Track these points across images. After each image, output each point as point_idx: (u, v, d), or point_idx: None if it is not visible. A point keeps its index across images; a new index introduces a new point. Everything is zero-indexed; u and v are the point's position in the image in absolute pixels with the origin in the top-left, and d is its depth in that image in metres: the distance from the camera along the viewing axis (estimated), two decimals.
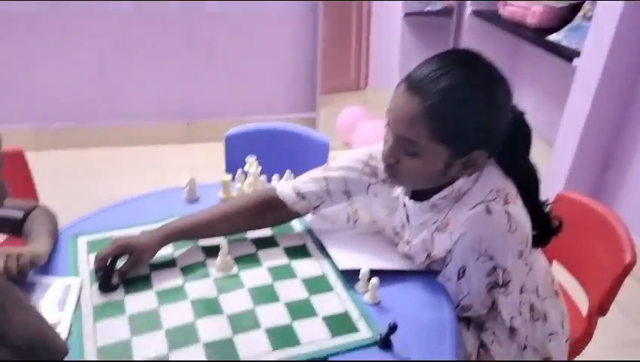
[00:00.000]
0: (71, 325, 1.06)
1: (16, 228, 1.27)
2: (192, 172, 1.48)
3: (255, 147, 1.66)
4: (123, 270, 1.18)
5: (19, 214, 1.01)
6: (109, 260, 1.17)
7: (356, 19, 4.41)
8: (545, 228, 1.22)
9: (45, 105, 3.28)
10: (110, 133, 3.44)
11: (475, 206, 1.12)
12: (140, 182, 1.49)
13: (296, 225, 1.41)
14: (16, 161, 1.67)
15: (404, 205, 1.26)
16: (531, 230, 1.18)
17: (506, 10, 3.10)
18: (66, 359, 0.97)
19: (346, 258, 1.25)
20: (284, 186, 1.35)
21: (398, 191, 1.28)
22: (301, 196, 1.32)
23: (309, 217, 1.40)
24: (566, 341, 1.34)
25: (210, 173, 1.55)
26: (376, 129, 3.09)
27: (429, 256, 1.21)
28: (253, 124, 1.98)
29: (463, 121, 1.06)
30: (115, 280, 1.17)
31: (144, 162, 3.28)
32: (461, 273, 1.16)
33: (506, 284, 1.14)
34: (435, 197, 1.18)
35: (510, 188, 1.16)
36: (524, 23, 2.95)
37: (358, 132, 3.48)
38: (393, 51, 4.07)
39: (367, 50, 4.53)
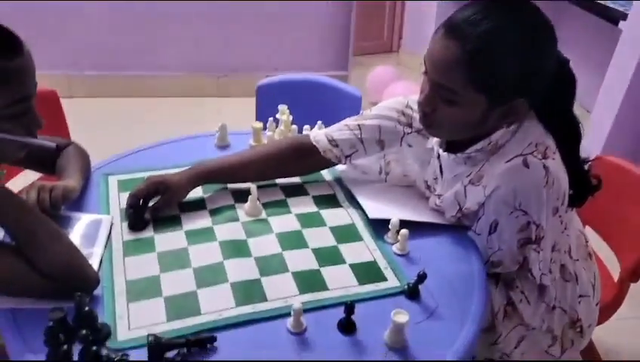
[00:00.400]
0: (102, 259, 1.07)
1: (49, 165, 1.28)
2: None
3: (286, 98, 1.64)
4: (155, 207, 1.19)
5: (52, 144, 1.02)
6: (142, 198, 1.17)
7: None
8: (582, 186, 1.19)
9: (79, 52, 3.30)
10: (141, 84, 3.45)
11: (511, 158, 1.08)
12: (169, 133, 1.50)
13: (326, 175, 1.40)
14: (50, 102, 1.68)
15: (439, 157, 1.23)
16: (568, 188, 1.14)
17: None
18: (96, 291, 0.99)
19: (377, 208, 1.24)
20: (318, 133, 1.33)
21: (433, 142, 1.25)
22: (334, 143, 1.30)
23: (340, 167, 1.39)
24: (596, 304, 1.31)
25: (240, 126, 1.54)
26: (407, 90, 3.04)
27: (460, 209, 1.19)
28: (285, 75, 1.96)
29: (504, 67, 1.02)
30: (145, 218, 1.18)
31: (174, 114, 3.29)
32: (493, 227, 1.13)
33: (538, 240, 1.11)
34: (471, 149, 1.14)
35: (550, 143, 1.12)
36: None
37: (388, 92, 3.42)
38: (429, 14, 3.96)
39: (401, 12, 4.43)
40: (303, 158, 1.32)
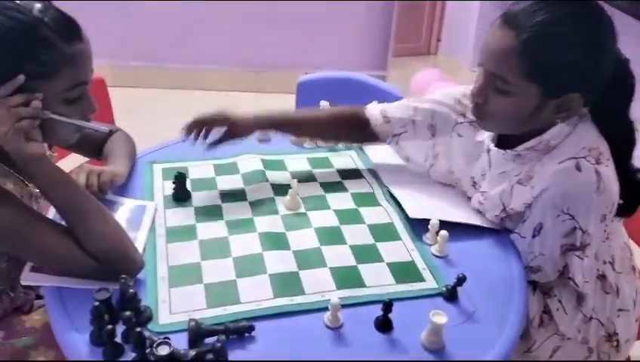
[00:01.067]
0: (145, 244, 1.09)
1: (95, 149, 1.32)
2: None
3: (326, 95, 1.64)
4: (219, 139, 1.26)
5: (105, 128, 1.05)
6: (178, 173, 1.21)
7: None
8: (633, 196, 1.16)
9: (123, 43, 3.37)
10: (182, 76, 3.50)
11: (563, 161, 1.07)
12: None
13: (366, 174, 1.40)
14: (97, 89, 1.71)
15: (488, 151, 1.21)
16: (618, 197, 1.12)
17: None
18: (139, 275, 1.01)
19: (416, 207, 1.23)
20: (374, 107, 1.37)
21: (484, 136, 1.23)
22: (386, 119, 1.32)
23: (380, 164, 1.39)
24: (636, 320, 1.28)
25: None
26: None
27: (504, 209, 1.17)
28: (326, 72, 1.97)
29: (558, 58, 1.00)
30: (187, 190, 1.23)
31: (212, 107, 3.33)
32: (537, 231, 1.11)
33: (583, 247, 1.09)
34: (521, 147, 1.13)
35: (604, 149, 1.09)
36: None
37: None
38: (469, 18, 3.92)
39: (441, 15, 4.39)
40: (355, 128, 1.37)
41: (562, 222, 1.07)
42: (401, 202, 1.26)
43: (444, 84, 3.42)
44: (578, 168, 1.05)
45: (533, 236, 1.12)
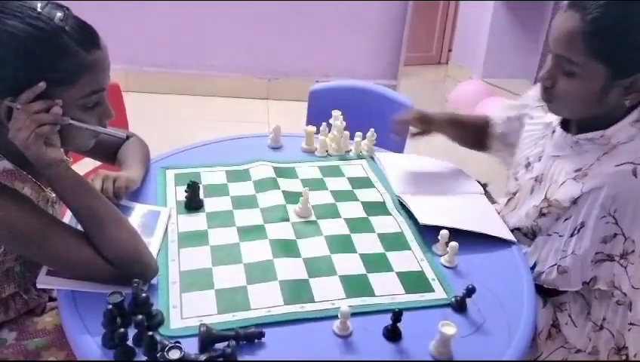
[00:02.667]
0: (159, 249, 1.11)
1: (109, 154, 1.33)
2: (269, 127, 1.51)
3: (338, 104, 1.66)
4: (415, 133, 1.43)
5: (122, 134, 1.07)
6: (191, 182, 1.23)
7: None
8: None
9: (137, 49, 3.41)
10: (194, 82, 3.53)
11: (621, 164, 1.06)
12: (218, 131, 1.56)
13: (376, 182, 1.41)
14: (112, 94, 1.74)
15: (553, 132, 1.22)
16: None
17: None
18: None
19: (427, 214, 1.24)
20: (501, 126, 1.43)
21: (553, 117, 1.24)
22: (507, 143, 1.41)
23: (391, 176, 1.41)
24: None
25: (286, 129, 1.57)
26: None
27: (546, 198, 1.16)
28: (338, 81, 1.98)
29: (625, 37, 1.01)
30: (199, 199, 1.25)
31: (224, 113, 3.36)
32: (577, 230, 1.10)
33: (626, 255, 1.08)
34: (582, 136, 1.13)
35: None
36: None
37: (483, 107, 3.34)
38: (481, 28, 3.93)
39: (452, 24, 4.40)
40: (482, 139, 1.46)
41: (605, 225, 1.07)
42: (411, 209, 1.26)
43: (487, 92, 3.44)
44: (635, 174, 1.04)
45: (572, 235, 1.11)
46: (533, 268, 1.18)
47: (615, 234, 1.07)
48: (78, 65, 0.94)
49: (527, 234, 1.24)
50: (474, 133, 1.47)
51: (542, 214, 1.18)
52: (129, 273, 0.95)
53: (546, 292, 1.18)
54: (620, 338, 1.21)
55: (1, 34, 0.89)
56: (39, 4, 0.92)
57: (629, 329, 1.22)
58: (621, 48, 1.02)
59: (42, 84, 0.91)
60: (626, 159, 1.06)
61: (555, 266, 1.13)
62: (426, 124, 1.42)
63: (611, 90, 1.06)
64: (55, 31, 0.91)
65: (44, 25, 0.90)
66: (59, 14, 0.92)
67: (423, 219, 1.22)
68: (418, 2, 3.52)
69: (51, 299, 1.20)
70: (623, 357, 1.22)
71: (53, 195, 1.08)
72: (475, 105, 3.44)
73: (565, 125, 1.20)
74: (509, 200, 1.31)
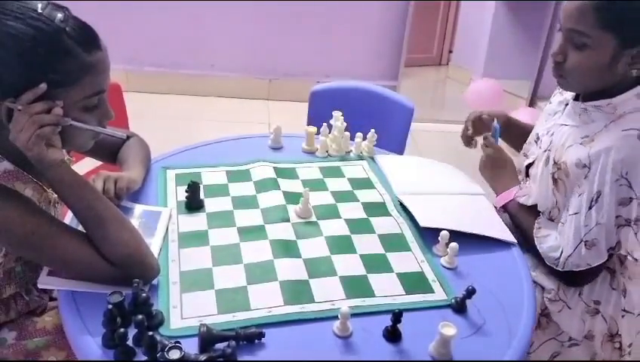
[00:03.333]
0: (160, 249, 1.11)
1: (110, 155, 1.33)
2: (270, 128, 1.51)
3: (339, 105, 1.66)
4: (469, 135, 1.45)
5: (123, 134, 1.07)
6: (192, 183, 1.23)
7: None
8: None
9: (138, 49, 3.41)
10: (195, 83, 3.53)
11: (627, 129, 1.11)
12: (218, 131, 1.56)
13: (377, 183, 1.41)
14: (113, 94, 1.74)
15: (565, 105, 1.26)
16: None
17: None
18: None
19: (427, 216, 1.24)
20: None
21: (567, 94, 1.29)
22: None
23: (392, 177, 1.42)
24: None
25: (286, 129, 1.57)
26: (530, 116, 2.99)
27: (556, 163, 1.19)
28: (338, 82, 1.98)
29: (633, 6, 1.06)
30: (200, 199, 1.25)
31: (224, 114, 3.36)
32: (594, 200, 1.13)
33: (638, 221, 1.11)
34: (589, 103, 1.17)
35: None
36: None
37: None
38: (482, 30, 3.93)
39: (453, 26, 4.40)
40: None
41: (619, 187, 1.10)
42: (411, 211, 1.26)
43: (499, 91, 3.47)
44: None
45: (590, 207, 1.13)
46: (558, 259, 1.19)
47: (630, 199, 1.10)
48: (79, 67, 0.94)
49: (552, 218, 1.25)
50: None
51: (554, 180, 1.21)
52: (131, 274, 0.95)
53: (571, 281, 1.21)
54: (612, 324, 1.23)
55: (2, 35, 0.89)
56: (40, 5, 0.92)
57: (623, 316, 1.23)
58: (629, 18, 1.08)
59: (43, 86, 0.91)
60: (631, 125, 1.11)
61: (583, 243, 1.15)
62: (479, 125, 1.45)
63: (620, 60, 1.11)
64: (56, 32, 0.91)
65: (45, 26, 0.90)
66: (59, 15, 0.92)
67: (423, 222, 1.22)
68: (419, 3, 3.51)
69: (51, 299, 1.20)
70: (617, 346, 1.23)
71: (55, 196, 1.08)
72: (490, 103, 3.47)
73: (576, 99, 1.25)
74: (527, 175, 1.33)
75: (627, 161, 1.09)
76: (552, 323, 1.22)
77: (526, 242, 1.26)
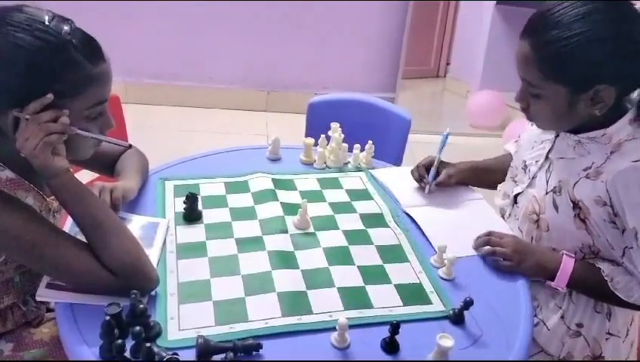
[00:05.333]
0: (158, 260, 1.11)
1: (107, 166, 1.34)
2: (268, 139, 1.52)
3: (337, 116, 1.67)
4: (440, 181, 1.39)
5: (126, 143, 1.09)
6: (190, 194, 1.23)
7: (443, 6, 4.32)
8: None
9: (137, 61, 3.42)
10: (193, 94, 3.54)
11: (638, 160, 1.07)
12: (217, 143, 1.57)
13: (374, 194, 1.41)
14: (112, 105, 1.74)
15: (556, 136, 1.22)
16: None
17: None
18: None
19: (438, 237, 1.24)
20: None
21: None
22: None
23: (389, 179, 1.45)
24: (631, 344, 1.28)
25: (286, 142, 1.58)
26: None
27: (573, 202, 1.15)
28: (337, 94, 1.99)
29: (572, 57, 1.04)
30: (198, 210, 1.25)
31: (222, 125, 3.36)
32: (636, 237, 1.09)
33: None
34: (582, 135, 1.14)
35: None
36: None
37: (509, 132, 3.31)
38: (479, 41, 3.96)
39: (450, 38, 4.44)
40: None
41: None
42: (424, 230, 1.28)
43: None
44: None
45: (638, 246, 1.10)
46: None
47: None
48: (84, 78, 0.96)
49: (594, 253, 1.19)
50: (501, 174, 1.42)
51: (582, 220, 1.16)
52: (131, 283, 0.95)
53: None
54: (596, 346, 1.22)
55: (11, 46, 0.91)
56: (46, 17, 0.94)
57: (607, 339, 1.23)
58: (571, 68, 1.06)
59: (50, 96, 0.93)
60: (639, 156, 1.08)
61: None
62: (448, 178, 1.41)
63: (578, 104, 1.09)
64: (63, 44, 0.93)
65: (52, 38, 0.92)
66: (66, 28, 0.94)
67: (435, 242, 1.23)
68: (416, 15, 3.54)
69: (48, 310, 1.20)
70: None
71: (55, 205, 1.09)
72: (492, 115, 3.53)
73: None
74: (537, 226, 1.24)
75: None
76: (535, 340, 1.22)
77: (608, 298, 1.17)
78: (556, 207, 1.18)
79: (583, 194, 1.13)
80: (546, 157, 1.23)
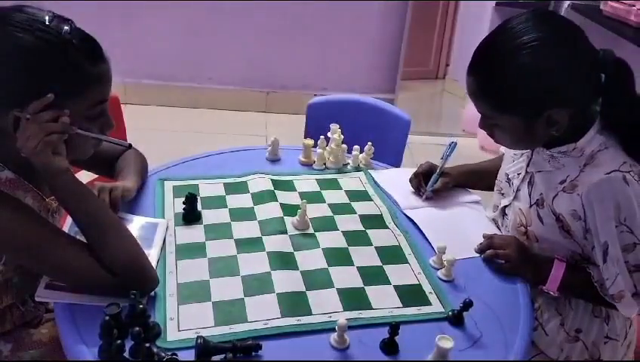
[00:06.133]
0: (158, 261, 1.11)
1: (106, 167, 1.34)
2: (267, 140, 1.52)
3: (336, 117, 1.66)
4: (435, 189, 1.38)
5: (126, 143, 1.09)
6: (189, 194, 1.24)
7: (443, 7, 4.32)
8: None
9: (136, 62, 3.42)
10: (193, 95, 3.54)
11: (611, 172, 1.07)
12: (216, 143, 1.56)
13: (373, 195, 1.41)
14: (112, 106, 1.74)
15: (532, 151, 1.21)
16: None
17: (608, 6, 2.94)
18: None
19: (439, 239, 1.23)
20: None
21: None
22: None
23: (389, 181, 1.46)
24: (628, 346, 1.28)
25: (285, 143, 1.58)
26: None
27: (554, 214, 1.15)
28: (336, 95, 1.99)
29: (515, 90, 1.06)
30: (197, 211, 1.25)
31: (222, 126, 3.36)
32: (605, 253, 1.09)
33: None
34: (554, 150, 1.15)
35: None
36: (627, 21, 2.79)
37: None
38: (478, 43, 3.96)
39: (450, 39, 4.44)
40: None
41: (621, 234, 1.07)
42: (426, 234, 1.28)
43: None
44: (626, 182, 1.06)
45: (605, 260, 1.10)
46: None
47: (634, 244, 1.08)
48: (85, 78, 0.96)
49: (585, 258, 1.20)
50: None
51: (566, 231, 1.16)
52: (130, 283, 0.95)
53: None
54: (594, 351, 1.22)
55: (11, 47, 0.91)
56: (47, 18, 0.94)
57: (605, 343, 1.23)
58: (517, 100, 1.07)
59: (50, 96, 0.93)
60: (611, 168, 1.07)
61: (610, 297, 1.12)
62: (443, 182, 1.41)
63: (535, 129, 1.09)
64: (63, 44, 0.93)
65: (53, 38, 0.93)
66: (66, 28, 0.94)
67: (435, 243, 1.23)
68: (416, 16, 3.55)
69: (47, 311, 1.20)
70: None
71: (54, 205, 1.09)
72: None
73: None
74: (526, 237, 1.24)
75: (621, 206, 1.06)
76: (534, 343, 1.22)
77: (600, 302, 1.17)
78: (541, 219, 1.19)
79: (562, 208, 1.14)
80: (527, 171, 1.23)
